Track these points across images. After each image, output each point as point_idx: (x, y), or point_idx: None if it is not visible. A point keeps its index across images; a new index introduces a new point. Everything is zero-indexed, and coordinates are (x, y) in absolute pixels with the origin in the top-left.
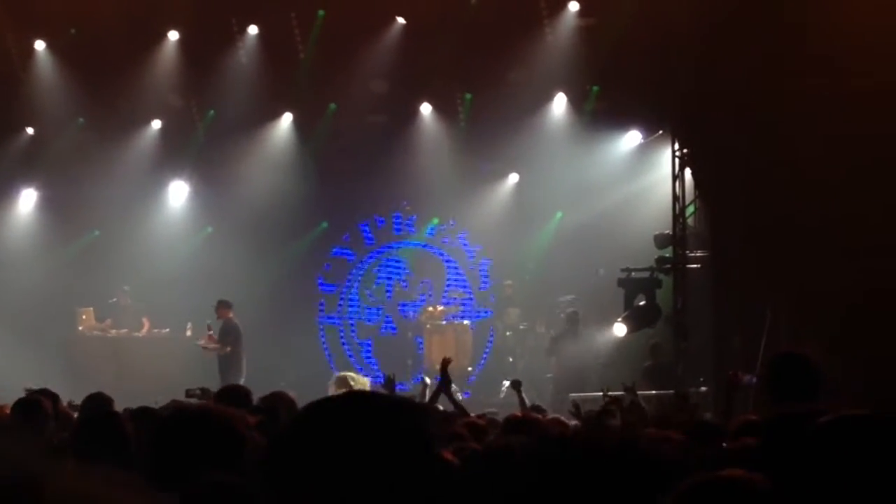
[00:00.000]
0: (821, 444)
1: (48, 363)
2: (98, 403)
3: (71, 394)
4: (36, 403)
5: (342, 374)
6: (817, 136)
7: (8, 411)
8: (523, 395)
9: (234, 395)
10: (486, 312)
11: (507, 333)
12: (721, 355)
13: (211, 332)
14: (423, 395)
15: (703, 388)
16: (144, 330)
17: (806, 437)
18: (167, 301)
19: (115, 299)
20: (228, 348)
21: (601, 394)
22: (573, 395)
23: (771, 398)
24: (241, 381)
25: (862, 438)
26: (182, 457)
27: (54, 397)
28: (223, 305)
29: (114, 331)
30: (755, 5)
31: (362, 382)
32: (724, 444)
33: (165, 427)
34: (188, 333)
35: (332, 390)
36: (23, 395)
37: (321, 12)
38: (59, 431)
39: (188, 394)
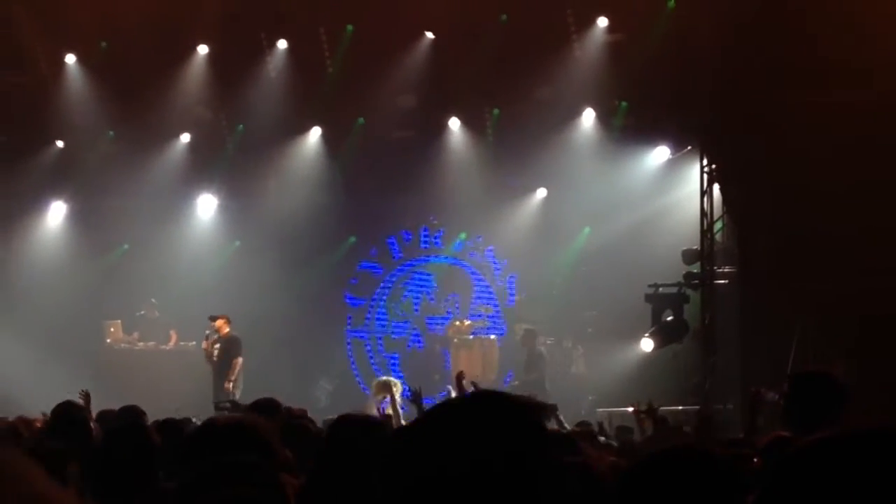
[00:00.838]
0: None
1: (76, 376)
2: (130, 415)
3: (99, 406)
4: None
5: (384, 378)
6: (846, 151)
7: (39, 424)
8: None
9: (266, 407)
10: None
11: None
12: (748, 371)
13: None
14: None
15: (730, 405)
16: (172, 343)
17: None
18: (195, 314)
19: (142, 312)
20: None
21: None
22: (600, 409)
23: (792, 419)
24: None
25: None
26: (213, 469)
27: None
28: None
29: (141, 343)
30: (783, 20)
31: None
32: (755, 460)
33: (196, 439)
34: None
35: (374, 394)
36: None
37: (350, 27)
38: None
39: (217, 406)
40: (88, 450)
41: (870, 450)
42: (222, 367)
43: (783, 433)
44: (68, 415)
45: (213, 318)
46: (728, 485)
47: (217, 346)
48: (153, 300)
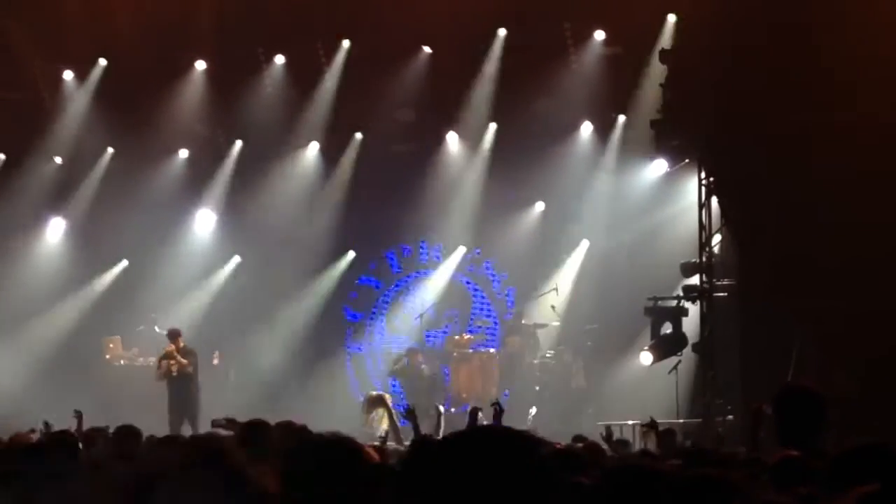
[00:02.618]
0: None
1: (75, 392)
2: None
3: (97, 422)
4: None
5: (375, 392)
6: (844, 165)
7: (34, 438)
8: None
9: (260, 427)
10: None
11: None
12: (748, 384)
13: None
14: (438, 424)
15: (730, 417)
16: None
17: None
18: (194, 330)
19: (141, 327)
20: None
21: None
22: (600, 423)
23: (778, 433)
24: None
25: None
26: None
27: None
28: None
29: (141, 359)
30: (784, 35)
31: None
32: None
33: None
34: (215, 362)
35: (366, 409)
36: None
37: (346, 42)
38: None
39: (214, 424)
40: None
41: None
42: (182, 379)
43: (791, 452)
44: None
45: (175, 334)
46: None
47: (181, 360)
48: (153, 315)
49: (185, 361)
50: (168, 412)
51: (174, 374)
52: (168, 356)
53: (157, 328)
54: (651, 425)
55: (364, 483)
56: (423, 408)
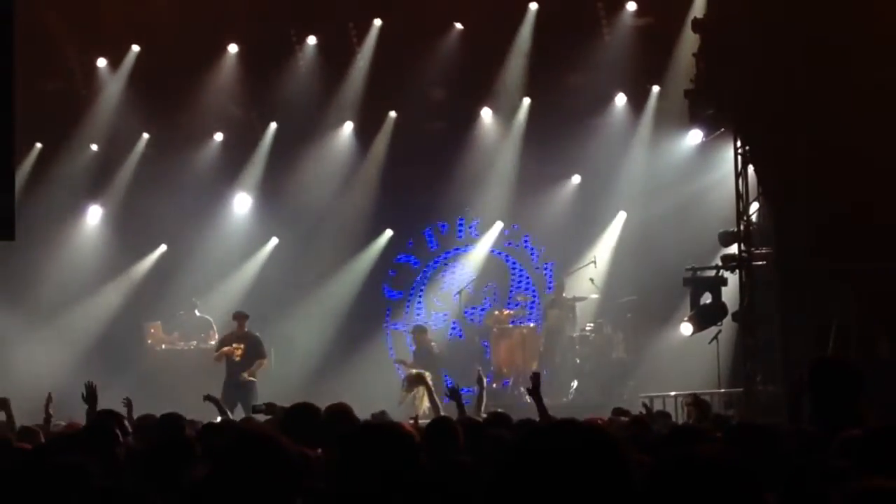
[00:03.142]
0: None
1: (118, 378)
2: (172, 424)
3: (142, 408)
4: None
5: (415, 371)
6: (882, 128)
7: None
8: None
9: (306, 413)
10: None
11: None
12: (789, 353)
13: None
14: (480, 398)
15: (771, 387)
16: (213, 342)
17: None
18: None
19: (182, 312)
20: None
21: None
22: (642, 395)
23: (813, 407)
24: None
25: None
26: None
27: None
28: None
29: (182, 343)
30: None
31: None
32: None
33: (226, 457)
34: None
35: (406, 387)
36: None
37: (378, 21)
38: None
39: (254, 409)
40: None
41: None
42: (245, 366)
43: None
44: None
45: (242, 316)
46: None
47: (237, 345)
48: (194, 300)
49: (241, 347)
50: (222, 396)
51: (237, 358)
52: (231, 339)
53: (197, 312)
54: (695, 403)
55: (412, 468)
56: (438, 386)
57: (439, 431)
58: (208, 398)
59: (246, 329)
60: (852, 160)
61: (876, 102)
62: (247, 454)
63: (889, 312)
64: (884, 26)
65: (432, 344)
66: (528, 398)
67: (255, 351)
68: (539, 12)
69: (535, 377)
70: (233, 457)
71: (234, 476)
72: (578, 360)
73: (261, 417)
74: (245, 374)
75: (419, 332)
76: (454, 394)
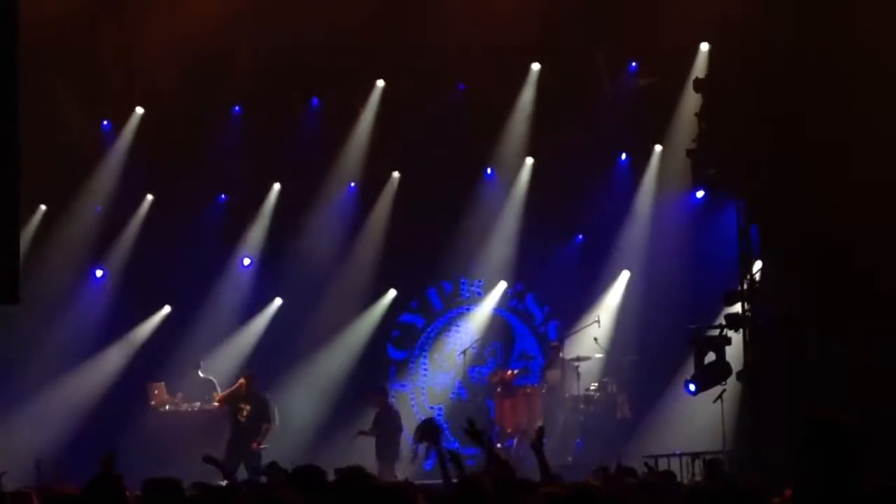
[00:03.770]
0: None
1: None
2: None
3: (143, 472)
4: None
5: (427, 418)
6: (887, 181)
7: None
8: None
9: (311, 474)
10: None
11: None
12: (793, 413)
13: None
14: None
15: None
16: (216, 404)
17: None
18: (238, 372)
19: (190, 374)
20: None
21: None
22: (647, 456)
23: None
24: None
25: None
26: None
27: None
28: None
29: (185, 405)
30: (815, 63)
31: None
32: None
33: None
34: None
35: (417, 437)
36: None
37: (381, 82)
38: None
39: (256, 471)
40: None
41: None
42: (250, 427)
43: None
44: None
45: (250, 376)
46: None
47: (244, 405)
48: (199, 360)
49: (247, 408)
50: (225, 454)
51: (242, 419)
52: (238, 398)
53: (200, 373)
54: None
55: None
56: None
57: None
58: (208, 459)
59: (253, 389)
60: (857, 217)
61: (879, 156)
62: None
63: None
64: (887, 74)
65: (392, 403)
66: (532, 456)
67: (261, 415)
68: (541, 72)
69: (540, 430)
70: None
71: None
72: (583, 419)
73: (262, 479)
74: (254, 446)
75: (379, 394)
76: (454, 458)
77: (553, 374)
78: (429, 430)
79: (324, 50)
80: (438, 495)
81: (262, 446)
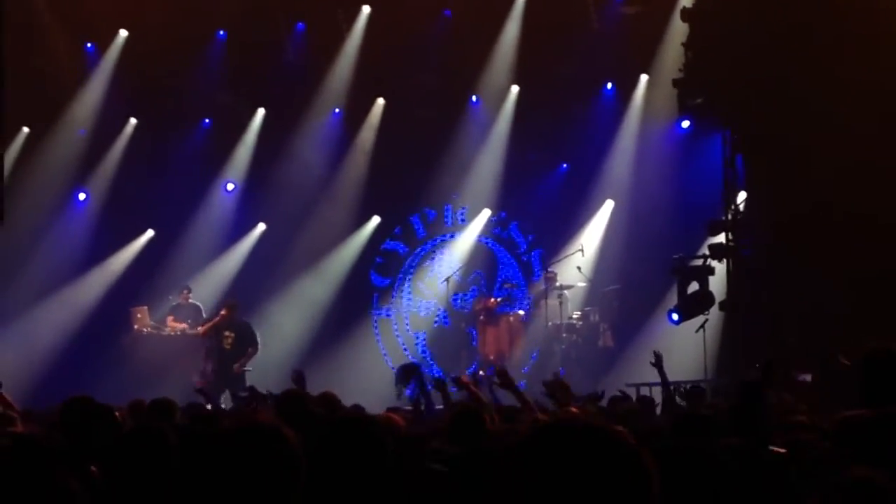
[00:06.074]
0: None
1: (107, 365)
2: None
3: (130, 394)
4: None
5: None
6: (871, 118)
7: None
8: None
9: (295, 401)
10: None
11: (549, 324)
12: (776, 342)
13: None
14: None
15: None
16: (200, 329)
17: None
18: (220, 298)
19: (171, 297)
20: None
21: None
22: (629, 384)
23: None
24: None
25: None
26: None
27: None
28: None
29: (168, 328)
30: None
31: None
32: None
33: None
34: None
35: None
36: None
37: (367, 7)
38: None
39: (238, 398)
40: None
41: None
42: (235, 354)
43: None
44: (82, 411)
45: (233, 304)
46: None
47: (228, 333)
48: (188, 287)
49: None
50: (212, 381)
51: (227, 347)
52: (222, 327)
53: (190, 298)
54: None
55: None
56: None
57: (465, 419)
58: (200, 391)
59: (236, 317)
60: (841, 149)
61: (866, 93)
62: (250, 445)
63: (877, 303)
64: (876, 19)
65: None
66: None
67: (245, 340)
68: (528, 0)
69: (502, 373)
70: (236, 447)
71: (237, 468)
72: (564, 347)
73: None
74: (236, 367)
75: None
76: (439, 385)
77: (540, 302)
78: (408, 371)
79: None
80: (423, 422)
81: (246, 369)
